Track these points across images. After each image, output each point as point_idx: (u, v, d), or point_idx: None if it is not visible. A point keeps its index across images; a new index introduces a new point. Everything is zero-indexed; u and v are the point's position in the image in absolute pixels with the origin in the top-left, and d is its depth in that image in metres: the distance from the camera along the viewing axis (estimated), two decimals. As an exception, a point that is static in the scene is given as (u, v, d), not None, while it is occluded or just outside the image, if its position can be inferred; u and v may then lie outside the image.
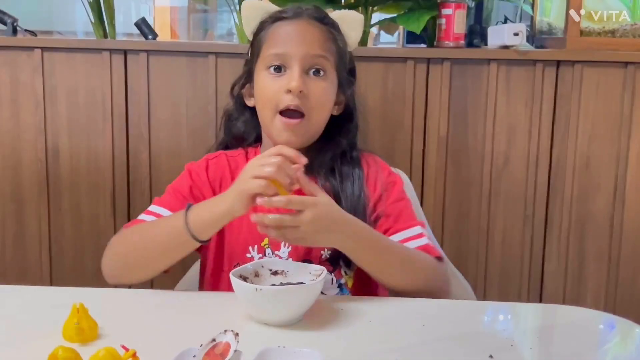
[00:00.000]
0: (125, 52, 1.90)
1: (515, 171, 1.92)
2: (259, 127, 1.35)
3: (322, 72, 1.27)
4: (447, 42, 1.92)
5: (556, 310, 1.23)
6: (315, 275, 1.09)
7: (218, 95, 1.89)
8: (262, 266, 1.12)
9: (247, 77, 1.35)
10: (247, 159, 1.35)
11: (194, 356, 0.85)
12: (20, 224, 1.96)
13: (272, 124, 1.27)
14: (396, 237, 1.24)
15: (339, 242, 1.14)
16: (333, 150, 1.32)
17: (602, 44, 1.93)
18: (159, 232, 1.19)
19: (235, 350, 0.85)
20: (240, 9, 1.91)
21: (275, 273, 1.13)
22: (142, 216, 1.27)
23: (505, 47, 1.88)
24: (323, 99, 1.28)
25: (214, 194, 1.29)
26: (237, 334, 0.87)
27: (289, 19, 1.30)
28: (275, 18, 1.32)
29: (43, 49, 1.90)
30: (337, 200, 1.19)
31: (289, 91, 1.23)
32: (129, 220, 1.93)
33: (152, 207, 1.28)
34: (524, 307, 1.30)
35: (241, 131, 1.39)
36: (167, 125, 1.92)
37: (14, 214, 1.96)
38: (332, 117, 1.33)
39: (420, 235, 1.25)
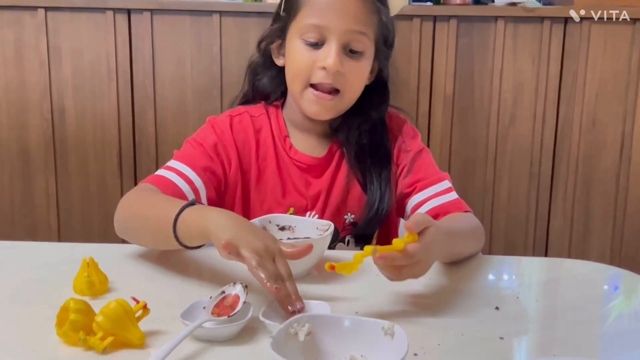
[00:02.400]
0: (129, 12, 1.88)
1: (521, 129, 1.92)
2: (285, 85, 1.27)
3: (359, 53, 1.19)
4: (453, -1, 1.90)
5: (562, 264, 1.24)
6: (323, 230, 1.10)
7: (223, 54, 1.88)
8: (270, 221, 1.13)
9: (279, 34, 1.25)
10: (269, 120, 1.28)
11: (204, 308, 0.86)
12: (28, 183, 1.97)
13: (302, 96, 1.20)
14: (427, 192, 1.23)
15: (442, 256, 1.07)
16: (363, 123, 1.26)
17: (610, 1, 1.91)
18: (152, 220, 1.06)
19: (245, 302, 0.86)
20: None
21: (282, 228, 1.13)
22: (161, 171, 1.19)
23: (513, 4, 1.86)
24: (358, 78, 1.22)
25: (238, 155, 1.24)
26: (246, 286, 0.88)
27: None
28: None
29: (47, 8, 1.88)
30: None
31: (324, 68, 1.16)
32: (135, 179, 1.94)
33: (173, 163, 1.20)
34: (529, 261, 1.31)
35: (266, 87, 1.30)
36: (172, 84, 1.91)
37: (22, 172, 1.96)
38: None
39: (449, 190, 1.24)
